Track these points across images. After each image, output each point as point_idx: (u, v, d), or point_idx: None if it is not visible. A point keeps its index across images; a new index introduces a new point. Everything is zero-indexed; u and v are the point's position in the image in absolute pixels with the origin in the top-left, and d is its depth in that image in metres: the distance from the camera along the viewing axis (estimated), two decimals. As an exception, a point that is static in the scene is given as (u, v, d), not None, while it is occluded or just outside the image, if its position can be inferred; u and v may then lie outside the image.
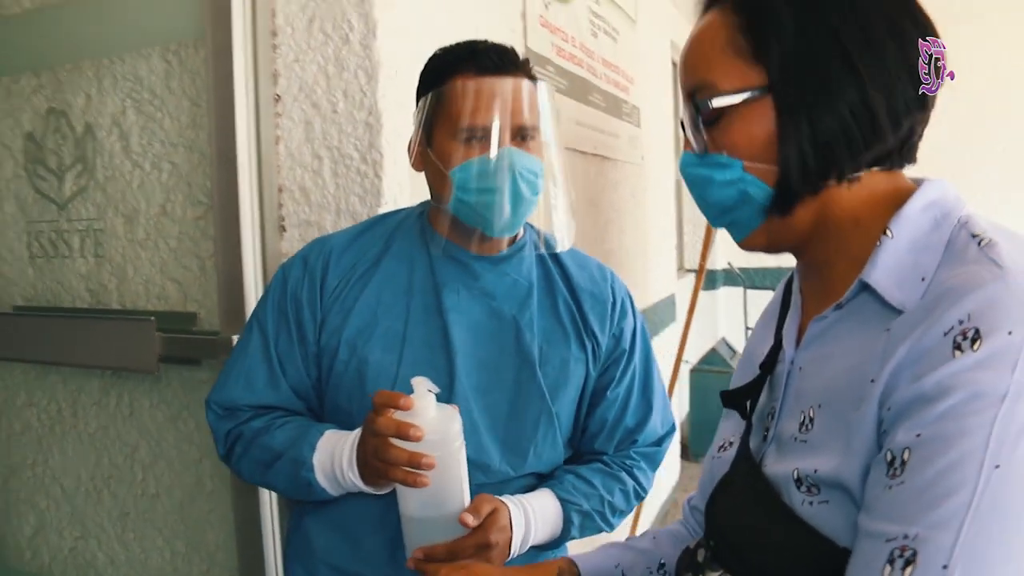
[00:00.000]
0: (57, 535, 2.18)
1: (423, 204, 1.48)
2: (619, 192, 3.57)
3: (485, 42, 1.35)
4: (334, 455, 1.28)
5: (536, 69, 2.48)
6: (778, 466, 0.83)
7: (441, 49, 1.37)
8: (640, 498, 1.52)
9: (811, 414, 0.81)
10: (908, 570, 0.65)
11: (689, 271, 5.85)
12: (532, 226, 1.45)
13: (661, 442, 1.57)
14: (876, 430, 0.73)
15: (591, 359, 1.45)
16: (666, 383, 3.77)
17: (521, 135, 1.29)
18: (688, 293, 3.94)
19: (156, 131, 1.90)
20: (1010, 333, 0.66)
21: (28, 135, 2.09)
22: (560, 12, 2.79)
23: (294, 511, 1.52)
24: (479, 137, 1.27)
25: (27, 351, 2.10)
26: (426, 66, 1.37)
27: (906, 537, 0.66)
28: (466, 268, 1.39)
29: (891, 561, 0.66)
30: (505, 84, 1.28)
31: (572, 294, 1.46)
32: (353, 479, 1.26)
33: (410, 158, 1.39)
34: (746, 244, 0.89)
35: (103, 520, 2.09)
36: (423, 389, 1.15)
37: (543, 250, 1.42)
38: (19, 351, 2.12)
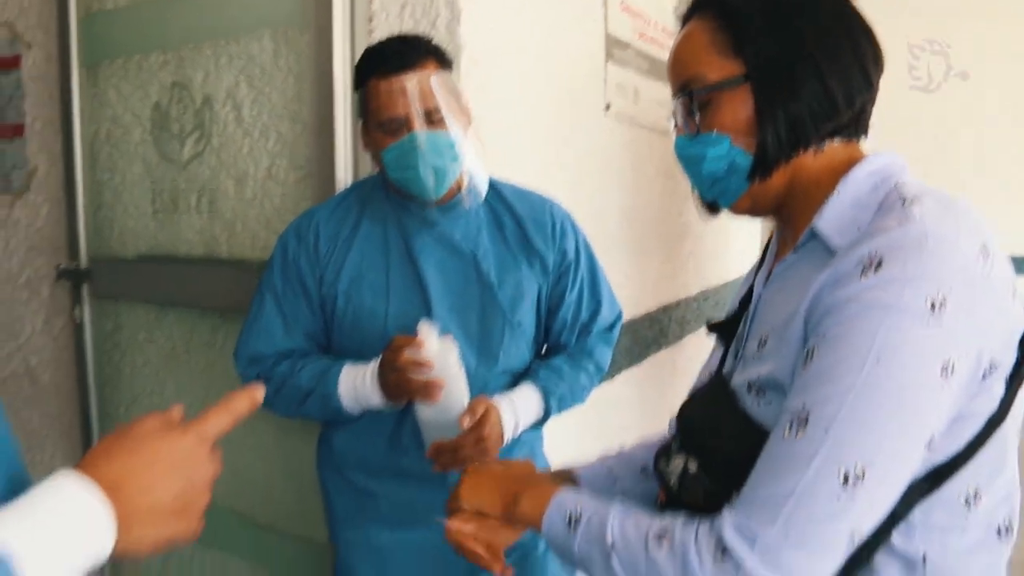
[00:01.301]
0: (170, 459, 2.53)
1: None
2: (700, 169, 3.76)
3: (393, 43, 1.70)
4: (356, 385, 1.69)
5: (616, 52, 2.74)
6: (740, 377, 1.09)
7: (364, 52, 1.73)
8: (601, 372, 1.95)
9: (766, 336, 1.07)
10: (800, 431, 0.90)
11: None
12: (472, 174, 1.77)
13: (612, 327, 1.99)
14: (802, 337, 0.98)
15: (540, 274, 1.83)
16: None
17: (429, 118, 1.63)
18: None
19: (264, 103, 2.22)
20: (903, 264, 0.89)
21: (155, 105, 2.44)
22: (643, -4, 3.02)
23: (320, 432, 1.96)
24: (394, 127, 1.64)
25: (148, 293, 2.51)
26: (356, 66, 1.73)
27: (803, 407, 0.91)
28: (424, 219, 1.77)
29: (790, 425, 0.92)
30: (409, 80, 1.63)
31: (517, 223, 1.83)
32: (376, 402, 1.68)
33: (360, 138, 1.78)
34: (734, 209, 1.16)
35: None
36: (427, 329, 1.57)
37: (481, 196, 1.76)
38: (142, 293, 2.53)
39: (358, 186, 1.90)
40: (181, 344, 2.48)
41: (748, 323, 1.16)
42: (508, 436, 1.74)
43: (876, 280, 0.90)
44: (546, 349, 1.99)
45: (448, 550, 1.80)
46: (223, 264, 2.33)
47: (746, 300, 1.22)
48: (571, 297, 1.90)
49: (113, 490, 0.75)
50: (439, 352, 1.59)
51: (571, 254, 1.89)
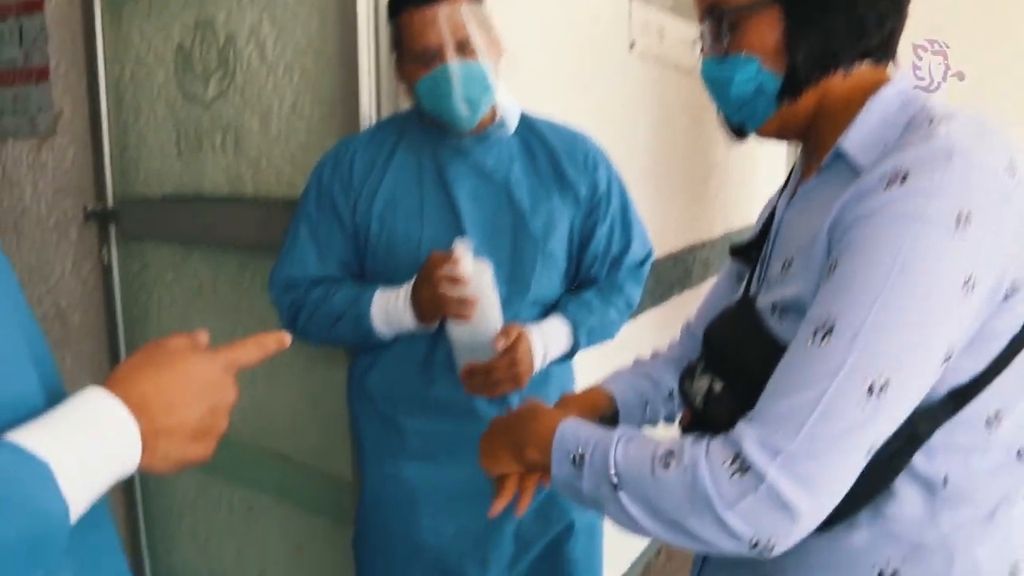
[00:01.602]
0: (198, 396, 2.56)
1: None
2: (726, 110, 3.73)
3: None
4: (388, 307, 1.72)
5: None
6: (764, 299, 1.10)
7: None
8: (631, 308, 1.96)
9: (791, 259, 1.07)
10: (825, 340, 0.89)
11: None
12: (505, 105, 1.78)
13: (642, 264, 2.00)
14: (825, 254, 0.97)
15: (572, 205, 1.84)
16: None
17: (461, 49, 1.64)
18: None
19: (288, 40, 2.21)
20: (930, 177, 0.89)
21: (178, 45, 2.43)
22: (668, -69, 2.98)
23: (350, 370, 1.98)
24: (428, 57, 1.65)
25: (175, 233, 2.53)
26: None
27: (828, 316, 0.90)
28: (458, 148, 1.79)
29: (815, 334, 0.91)
30: (442, 10, 1.63)
31: (550, 155, 1.84)
32: (408, 322, 1.71)
33: (394, 71, 1.80)
34: (762, 132, 1.15)
35: (238, 379, 2.45)
36: (463, 247, 1.59)
37: (511, 128, 1.79)
38: (168, 233, 2.55)
39: (395, 118, 1.93)
40: (208, 283, 2.51)
41: (770, 245, 1.16)
42: (537, 365, 1.76)
43: (901, 192, 0.89)
44: (576, 284, 1.99)
45: (475, 487, 1.85)
46: (249, 202, 2.34)
47: (768, 223, 1.22)
48: (602, 230, 1.91)
49: (140, 406, 0.77)
50: (474, 271, 1.62)
51: (603, 187, 1.90)
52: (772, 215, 1.21)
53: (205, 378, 0.83)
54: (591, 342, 1.89)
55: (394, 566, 1.92)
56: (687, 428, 1.19)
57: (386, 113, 2.07)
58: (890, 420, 0.90)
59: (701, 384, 1.14)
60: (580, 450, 1.05)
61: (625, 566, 3.32)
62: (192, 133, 2.45)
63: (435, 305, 1.64)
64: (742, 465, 0.90)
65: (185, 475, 2.72)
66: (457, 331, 1.69)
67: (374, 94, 2.08)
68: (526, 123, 1.86)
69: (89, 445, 0.72)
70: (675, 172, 3.25)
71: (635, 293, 1.99)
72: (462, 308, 1.62)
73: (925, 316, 0.87)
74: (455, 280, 1.59)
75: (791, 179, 1.22)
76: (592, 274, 1.95)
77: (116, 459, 0.74)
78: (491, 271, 1.66)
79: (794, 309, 1.02)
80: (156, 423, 0.78)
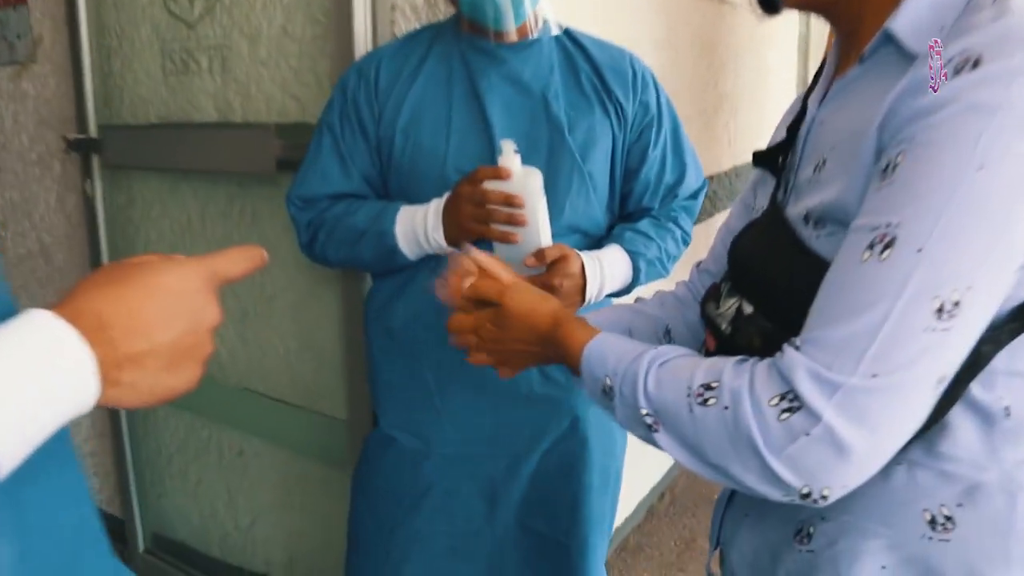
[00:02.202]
0: (188, 334, 2.48)
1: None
2: (736, 37, 3.62)
3: None
4: (415, 224, 1.61)
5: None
6: (795, 208, 0.98)
7: None
8: (686, 243, 1.82)
9: (824, 158, 0.95)
10: (886, 253, 0.77)
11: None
12: (546, 13, 1.68)
13: (696, 195, 1.87)
14: (875, 154, 0.84)
15: (616, 123, 1.71)
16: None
17: None
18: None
19: (277, -48, 2.08)
20: (1008, 61, 0.76)
21: (162, -40, 2.30)
22: None
23: (366, 306, 1.87)
24: None
25: (161, 162, 2.42)
26: None
27: (888, 225, 0.77)
28: (493, 56, 1.66)
29: (871, 246, 0.78)
30: None
31: (593, 69, 1.72)
32: (438, 240, 1.59)
33: None
34: None
35: (226, 319, 2.37)
36: (510, 150, 1.46)
37: (555, 32, 1.70)
38: (154, 162, 2.44)
39: (428, 27, 1.81)
40: (196, 217, 2.41)
41: (800, 149, 1.04)
42: (591, 295, 1.65)
43: (975, 78, 0.76)
44: (624, 217, 1.86)
45: (495, 430, 1.75)
46: (237, 128, 2.23)
47: (796, 126, 1.09)
48: (654, 154, 1.78)
49: (97, 330, 0.63)
50: (520, 176, 1.49)
51: (653, 108, 1.77)
52: (800, 117, 1.09)
53: (181, 292, 0.69)
54: (650, 276, 1.77)
55: (398, 510, 1.84)
56: (710, 356, 1.08)
57: (382, 33, 1.95)
58: (960, 345, 0.78)
59: (728, 306, 1.04)
60: (608, 381, 0.97)
61: (629, 509, 3.26)
62: (178, 55, 2.33)
63: (476, 223, 1.53)
64: (792, 403, 0.78)
65: (174, 418, 2.66)
66: (502, 245, 1.57)
67: (369, 14, 1.95)
68: (568, 35, 1.75)
69: (26, 379, 0.58)
70: (682, 103, 3.13)
71: (689, 227, 1.86)
72: (508, 232, 1.51)
73: (1006, 220, 0.75)
74: (512, 200, 1.48)
75: (821, 77, 1.09)
76: (644, 204, 1.82)
77: (66, 393, 0.61)
78: (540, 177, 1.53)
79: (831, 217, 0.90)
80: (119, 350, 0.64)
